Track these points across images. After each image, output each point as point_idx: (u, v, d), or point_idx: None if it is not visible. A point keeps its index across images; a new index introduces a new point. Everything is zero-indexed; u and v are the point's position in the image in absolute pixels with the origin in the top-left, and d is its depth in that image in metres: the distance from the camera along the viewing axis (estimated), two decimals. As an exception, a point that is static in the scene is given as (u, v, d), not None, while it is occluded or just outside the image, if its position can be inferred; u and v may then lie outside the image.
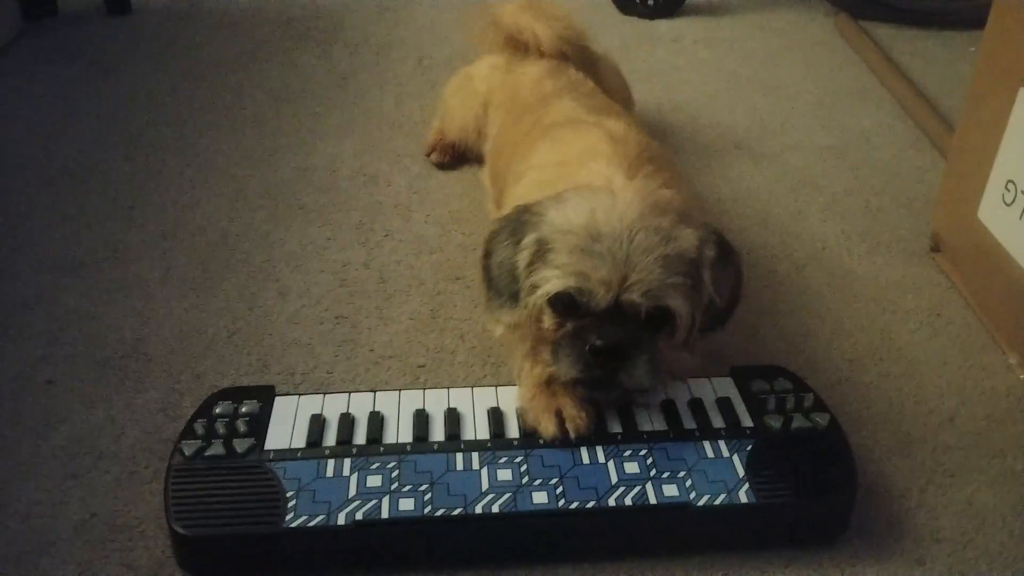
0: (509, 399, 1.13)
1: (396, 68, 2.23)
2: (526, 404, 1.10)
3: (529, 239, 1.07)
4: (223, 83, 2.13)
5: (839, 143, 1.90)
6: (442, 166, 1.80)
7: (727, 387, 1.16)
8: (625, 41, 2.40)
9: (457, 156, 1.81)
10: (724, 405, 1.12)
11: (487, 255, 1.13)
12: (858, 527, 1.04)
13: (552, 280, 1.03)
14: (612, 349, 1.02)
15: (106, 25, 2.45)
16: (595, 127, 1.30)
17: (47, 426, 1.19)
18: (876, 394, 1.26)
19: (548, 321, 1.07)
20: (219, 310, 1.41)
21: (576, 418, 1.07)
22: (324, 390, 1.24)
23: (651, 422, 1.10)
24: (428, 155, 1.82)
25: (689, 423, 1.09)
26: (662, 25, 2.52)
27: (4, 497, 1.09)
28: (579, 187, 1.10)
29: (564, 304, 1.05)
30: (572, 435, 1.06)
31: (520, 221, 1.09)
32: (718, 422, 1.09)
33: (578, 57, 1.71)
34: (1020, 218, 1.25)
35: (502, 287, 1.11)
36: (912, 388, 1.27)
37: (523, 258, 1.07)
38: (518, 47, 1.73)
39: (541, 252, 1.05)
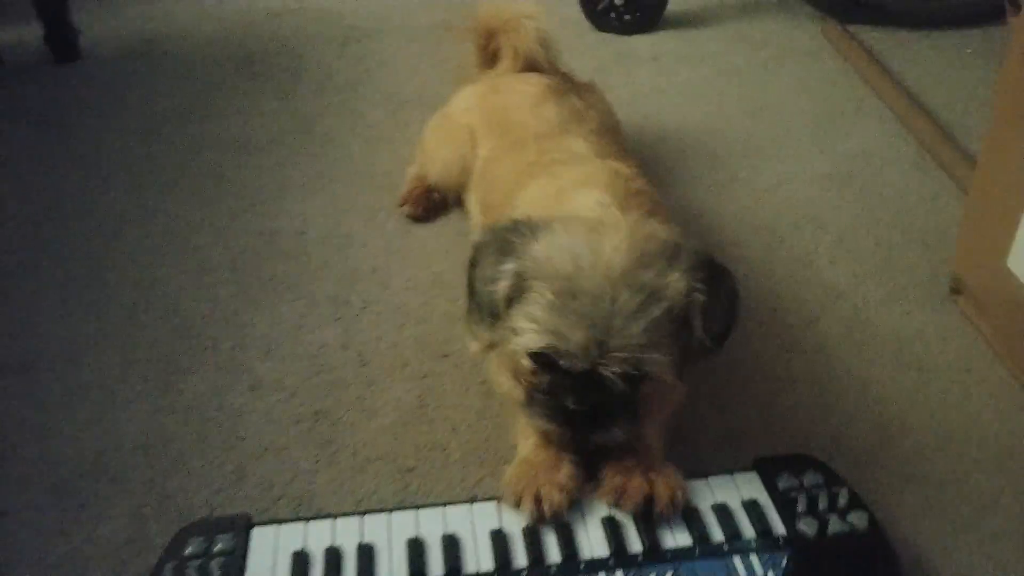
0: (512, 519, 1.02)
1: (364, 107, 2.10)
2: (507, 483, 1.04)
3: (509, 268, 1.01)
4: (181, 136, 1.99)
5: (840, 169, 1.79)
6: (418, 219, 1.68)
7: (753, 486, 1.04)
8: (602, 62, 2.27)
9: (434, 207, 1.69)
10: (752, 509, 1.01)
11: (472, 265, 1.06)
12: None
13: (529, 334, 0.98)
14: (587, 413, 0.99)
15: (53, 76, 2.29)
16: (599, 163, 1.26)
17: (4, 567, 1.07)
18: (911, 472, 1.15)
19: (526, 366, 1.03)
20: (186, 411, 1.29)
21: (551, 497, 1.00)
22: (308, 509, 1.13)
23: (673, 536, 0.98)
24: (402, 206, 1.70)
25: (716, 535, 0.98)
26: (640, 42, 2.40)
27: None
28: (570, 218, 1.05)
29: (542, 358, 1.00)
30: (547, 515, 0.99)
31: (507, 240, 1.03)
32: (748, 532, 0.98)
33: (569, 80, 1.64)
34: (1057, 271, 1.15)
35: (483, 304, 1.04)
36: (949, 464, 1.16)
37: (502, 288, 1.01)
38: (492, 56, 1.70)
39: (520, 288, 1.00)
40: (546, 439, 1.06)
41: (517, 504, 1.01)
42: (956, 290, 1.43)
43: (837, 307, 1.43)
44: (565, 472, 1.03)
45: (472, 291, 1.07)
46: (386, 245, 1.62)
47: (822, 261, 1.54)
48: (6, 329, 1.44)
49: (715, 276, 1.01)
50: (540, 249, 1.00)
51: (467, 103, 1.64)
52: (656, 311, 0.96)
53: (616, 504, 1.01)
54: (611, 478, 1.03)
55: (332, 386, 1.32)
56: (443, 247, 1.61)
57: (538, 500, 1.00)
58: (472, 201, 1.55)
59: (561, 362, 0.98)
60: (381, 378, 1.33)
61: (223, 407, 1.29)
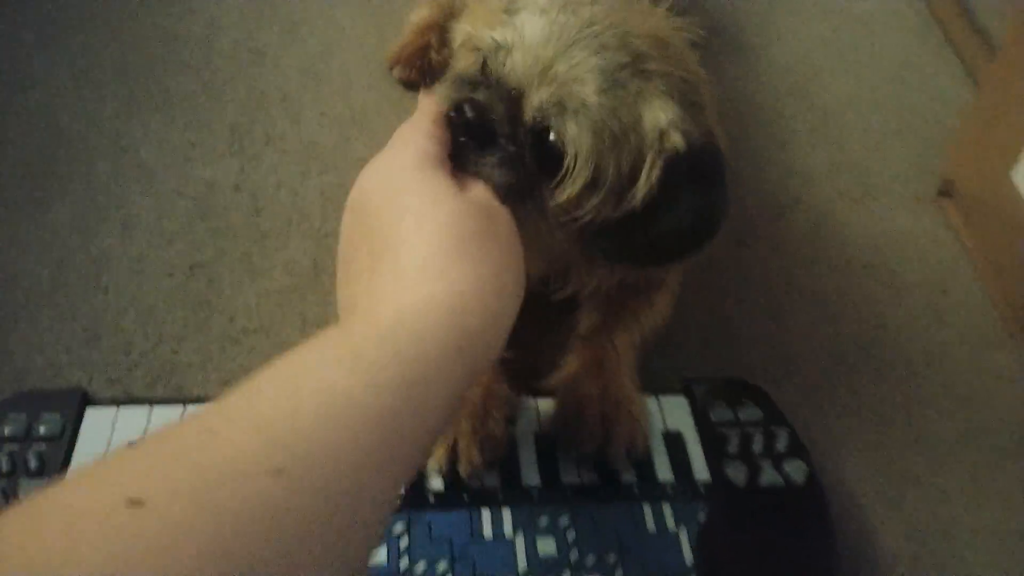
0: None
1: None
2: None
3: None
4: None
5: (838, 35, 1.54)
6: (408, 83, 1.36)
7: (680, 413, 0.90)
8: None
9: (431, 70, 1.35)
10: (674, 445, 0.86)
11: None
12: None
13: (500, 27, 0.77)
14: (475, 126, 0.73)
15: None
16: None
17: None
18: (862, 409, 1.01)
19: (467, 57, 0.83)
20: (42, 249, 1.09)
21: (470, 456, 0.81)
22: (167, 383, 0.96)
23: (578, 469, 0.84)
24: (391, 68, 1.37)
25: (628, 474, 0.84)
26: None
27: None
28: None
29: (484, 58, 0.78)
30: (463, 475, 0.81)
31: None
32: (664, 472, 0.84)
33: None
34: (1071, 195, 0.97)
35: None
36: (905, 402, 1.02)
37: None
38: None
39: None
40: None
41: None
42: (944, 193, 1.25)
43: (808, 199, 1.24)
44: (497, 401, 0.84)
45: None
46: (302, 68, 1.38)
47: (801, 142, 1.34)
48: None
49: (712, 175, 0.78)
50: None
51: None
52: (624, 94, 0.73)
53: (565, 446, 0.85)
54: (566, 393, 0.87)
55: (216, 235, 1.13)
56: (368, 75, 1.37)
57: (453, 451, 0.82)
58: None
59: (501, 61, 0.76)
60: (274, 232, 1.14)
61: (87, 246, 1.10)
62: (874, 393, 1.03)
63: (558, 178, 0.73)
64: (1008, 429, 1.01)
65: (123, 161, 1.21)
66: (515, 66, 0.74)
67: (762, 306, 1.11)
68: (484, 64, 0.77)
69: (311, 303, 1.06)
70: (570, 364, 0.90)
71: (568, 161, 0.72)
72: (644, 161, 0.73)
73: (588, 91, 0.72)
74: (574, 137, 0.71)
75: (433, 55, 1.37)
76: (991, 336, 1.10)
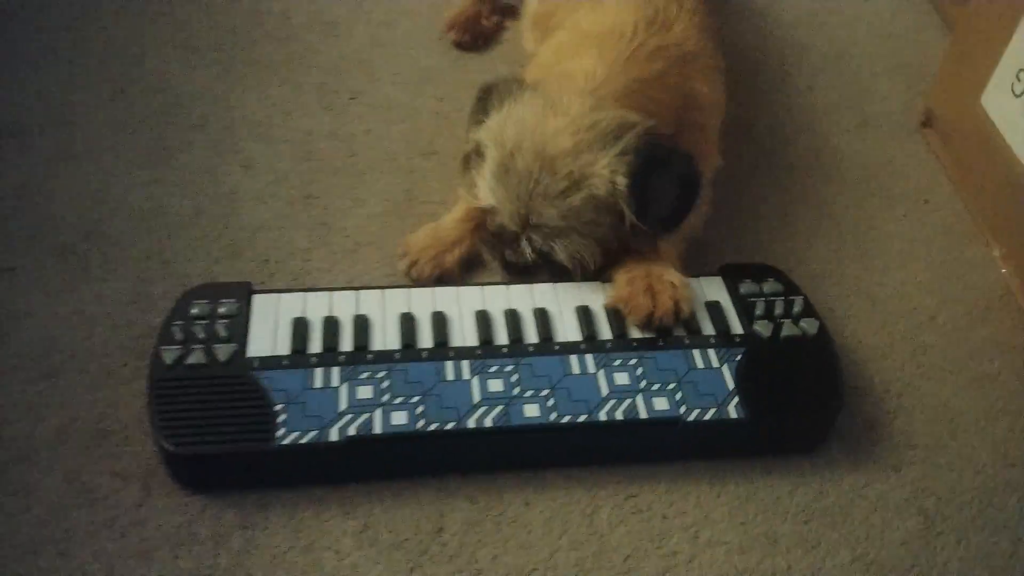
0: (496, 300, 1.11)
1: None
2: (406, 239, 1.22)
3: (475, 134, 1.14)
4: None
5: (832, -6, 1.80)
6: (462, 45, 1.60)
7: (716, 289, 1.14)
8: None
9: (483, 34, 1.62)
10: (714, 310, 1.11)
11: (473, 111, 1.17)
12: (838, 431, 1.07)
13: (481, 190, 1.12)
14: (517, 265, 1.15)
15: None
16: (614, 14, 1.22)
17: (13, 320, 1.13)
18: (861, 288, 1.26)
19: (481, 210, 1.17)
20: (181, 185, 1.33)
21: (421, 269, 1.19)
22: (302, 284, 1.20)
23: (640, 329, 1.09)
24: (448, 31, 1.61)
25: (679, 329, 1.08)
26: None
27: (-25, 403, 1.05)
28: (539, 90, 1.12)
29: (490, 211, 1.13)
30: (410, 277, 1.19)
31: (484, 101, 1.14)
32: (708, 329, 1.09)
33: None
34: (1025, 111, 1.21)
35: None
36: (896, 283, 1.27)
37: (471, 145, 1.15)
38: None
39: (479, 152, 1.13)
40: (467, 216, 1.21)
41: (401, 257, 1.20)
42: (926, 123, 1.49)
43: (810, 131, 1.49)
44: (453, 256, 1.19)
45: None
46: (372, 35, 1.62)
47: (802, 85, 1.58)
48: (-8, 89, 1.44)
49: (660, 161, 1.05)
50: (500, 118, 1.10)
51: None
52: (576, 199, 1.06)
53: (624, 314, 1.09)
54: (618, 288, 1.11)
55: (322, 172, 1.36)
56: (430, 40, 1.61)
57: (413, 265, 1.19)
58: (527, 21, 1.51)
59: (498, 220, 1.11)
60: (369, 170, 1.37)
61: (217, 183, 1.33)
62: (863, 278, 1.27)
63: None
64: (975, 297, 1.26)
65: (231, 116, 1.45)
66: (506, 222, 1.11)
67: (777, 215, 1.35)
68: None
69: (408, 223, 1.29)
70: (622, 264, 1.14)
71: (571, 259, 1.10)
72: (616, 204, 1.07)
73: (556, 219, 1.07)
74: (567, 249, 1.10)
75: (484, 21, 1.61)
76: (965, 234, 1.35)
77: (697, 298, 1.12)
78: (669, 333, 1.08)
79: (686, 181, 1.08)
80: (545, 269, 1.14)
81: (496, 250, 1.18)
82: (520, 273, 1.16)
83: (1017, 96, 1.23)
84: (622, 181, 1.05)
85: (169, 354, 1.01)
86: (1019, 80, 1.22)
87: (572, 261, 1.11)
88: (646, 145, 1.05)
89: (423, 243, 1.21)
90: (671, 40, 1.20)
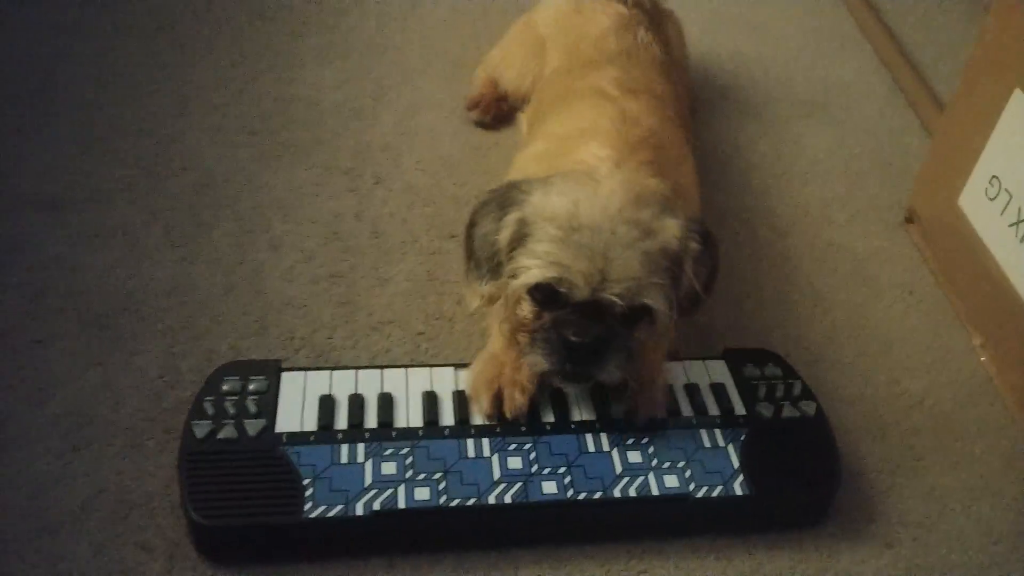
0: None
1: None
2: (472, 375, 1.14)
3: (512, 217, 1.06)
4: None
5: (821, 97, 1.92)
6: (485, 125, 1.72)
7: (721, 371, 1.21)
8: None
9: (502, 116, 1.72)
10: (718, 391, 1.18)
11: (472, 225, 1.13)
12: (836, 508, 1.13)
13: (532, 270, 1.03)
14: (588, 346, 1.03)
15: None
16: (611, 104, 1.28)
17: (43, 391, 1.18)
18: (853, 373, 1.33)
19: (527, 310, 1.07)
20: (210, 262, 1.40)
21: (513, 400, 1.11)
22: (327, 360, 1.26)
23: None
24: (471, 110, 1.73)
25: (687, 410, 1.15)
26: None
27: (7, 471, 1.08)
28: (567, 172, 1.10)
29: (543, 294, 1.05)
30: (508, 416, 1.10)
31: (507, 197, 1.08)
32: (713, 409, 1.16)
33: (649, 10, 1.61)
34: (1001, 214, 1.31)
35: (482, 259, 1.11)
36: (885, 368, 1.35)
37: (504, 237, 1.06)
38: None
39: (522, 235, 1.05)
40: (513, 338, 1.12)
41: (475, 398, 1.13)
42: (910, 220, 1.59)
43: (804, 224, 1.59)
44: (526, 373, 1.11)
45: (471, 248, 1.12)
46: (396, 123, 1.71)
47: (796, 181, 1.69)
48: (35, 167, 1.52)
49: (706, 242, 1.08)
50: (540, 198, 1.05)
51: (550, 15, 1.65)
52: (652, 246, 1.02)
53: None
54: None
55: (347, 252, 1.44)
56: (453, 129, 1.71)
57: (499, 398, 1.11)
58: (524, 117, 1.62)
59: (562, 290, 1.02)
60: (393, 250, 1.45)
61: (245, 262, 1.41)
62: (855, 364, 1.35)
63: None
64: (959, 382, 1.34)
65: (261, 196, 1.53)
66: (578, 285, 1.01)
67: (775, 302, 1.43)
68: (551, 295, 1.03)
69: (430, 302, 1.37)
70: None
71: (665, 299, 1.03)
72: (682, 261, 1.05)
73: (636, 266, 1.01)
74: (654, 296, 1.03)
75: (502, 104, 1.73)
76: (947, 324, 1.43)
77: (702, 380, 1.19)
78: (677, 413, 1.15)
79: (716, 266, 1.11)
80: (614, 348, 1.04)
81: (552, 340, 1.04)
82: (584, 364, 1.05)
83: (991, 199, 1.33)
84: (694, 247, 1.06)
85: (200, 428, 1.06)
86: (992, 185, 1.33)
87: (665, 302, 1.03)
88: (701, 226, 1.08)
89: (488, 374, 1.13)
90: (645, 132, 1.22)
